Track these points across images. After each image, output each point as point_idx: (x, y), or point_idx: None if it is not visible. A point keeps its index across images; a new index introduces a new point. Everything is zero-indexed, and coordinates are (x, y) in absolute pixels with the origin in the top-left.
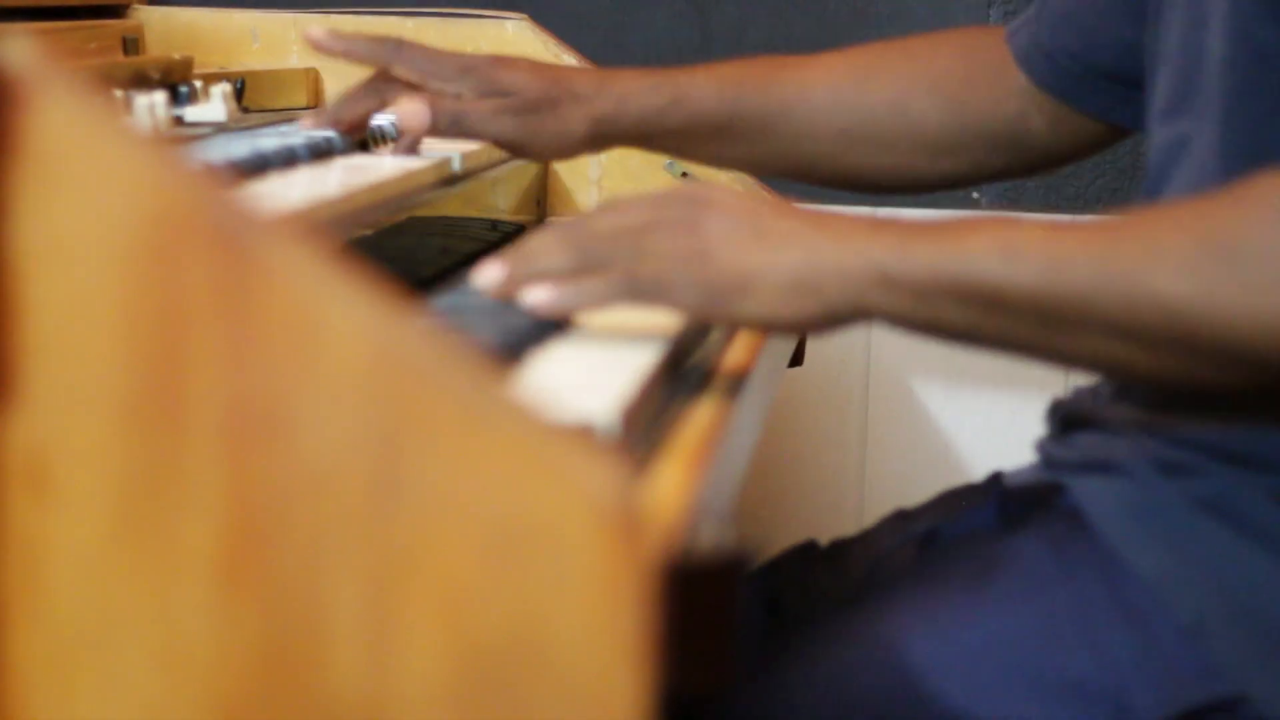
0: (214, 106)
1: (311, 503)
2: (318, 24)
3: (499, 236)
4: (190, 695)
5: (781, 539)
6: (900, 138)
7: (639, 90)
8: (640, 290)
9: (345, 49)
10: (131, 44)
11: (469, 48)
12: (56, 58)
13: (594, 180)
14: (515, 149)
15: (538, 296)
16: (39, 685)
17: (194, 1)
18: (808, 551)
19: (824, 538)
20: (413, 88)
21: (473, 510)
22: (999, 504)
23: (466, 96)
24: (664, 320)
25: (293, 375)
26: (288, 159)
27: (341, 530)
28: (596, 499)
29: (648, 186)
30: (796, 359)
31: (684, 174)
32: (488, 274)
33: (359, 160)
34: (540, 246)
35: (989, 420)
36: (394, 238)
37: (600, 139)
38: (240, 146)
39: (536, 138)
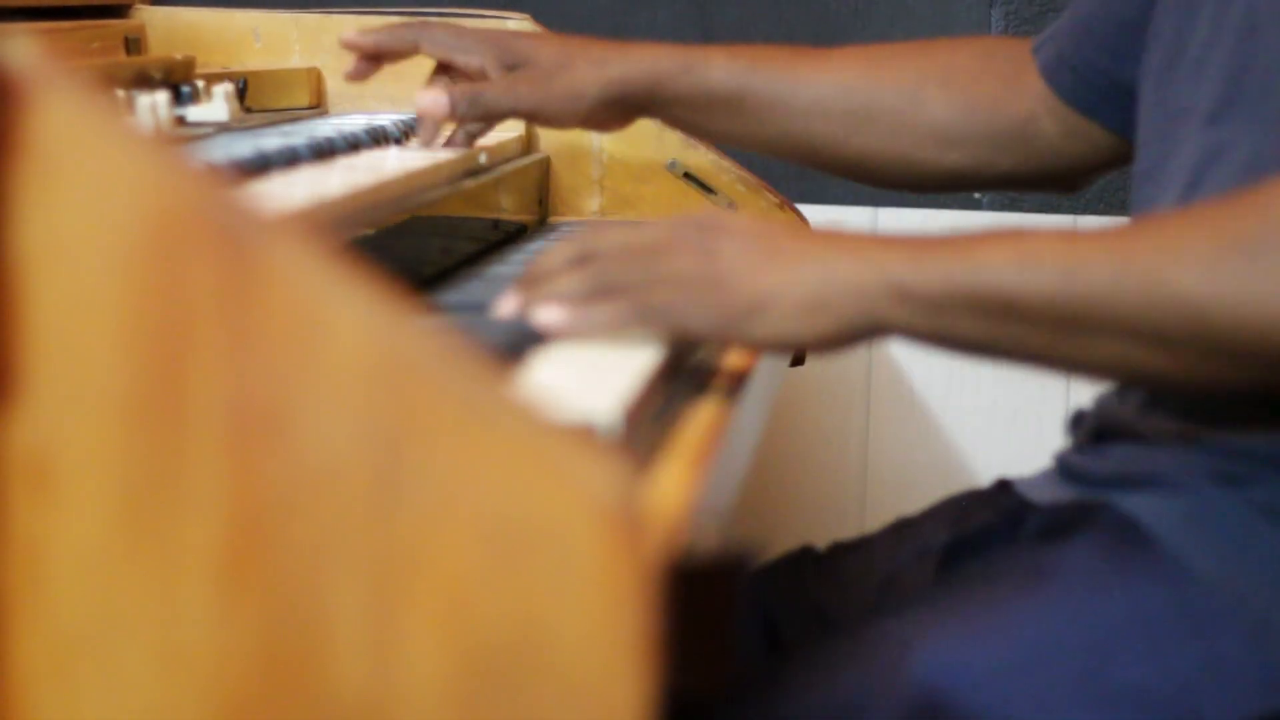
0: (216, 106)
1: (313, 503)
2: (320, 24)
3: (501, 236)
4: (192, 695)
5: (782, 539)
6: (907, 124)
7: (651, 55)
8: (652, 316)
9: (375, 42)
10: (134, 44)
11: None
12: (59, 57)
13: (596, 180)
14: (531, 116)
15: (549, 317)
16: (40, 685)
17: (196, 1)
18: (803, 559)
19: (824, 538)
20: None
21: (474, 510)
22: (1023, 516)
23: (489, 66)
24: None
25: (294, 375)
26: (290, 159)
27: (343, 530)
28: (598, 499)
29: (649, 186)
30: (798, 359)
31: (686, 174)
32: (506, 305)
33: (369, 157)
34: (553, 268)
35: (990, 420)
36: (396, 237)
37: (611, 102)
38: (242, 146)
39: (550, 102)
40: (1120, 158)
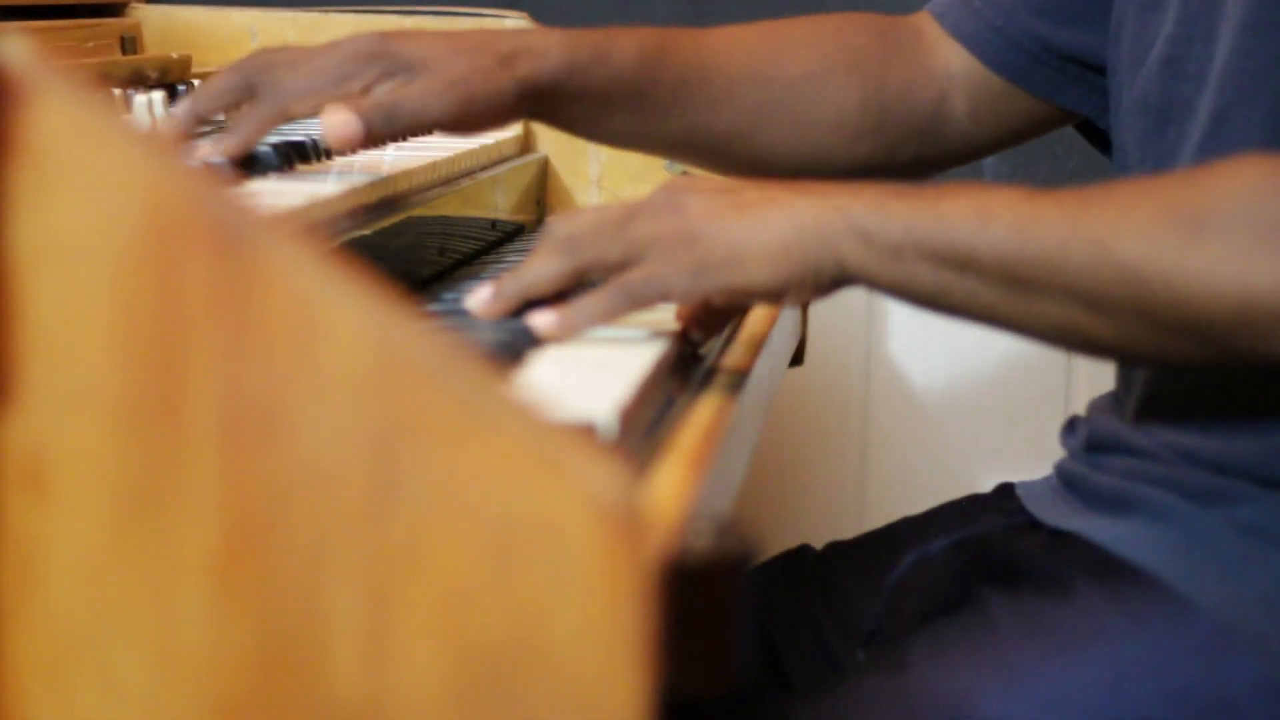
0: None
1: (310, 503)
2: (317, 23)
3: (498, 236)
4: (188, 696)
5: (781, 539)
6: (817, 117)
7: (559, 45)
8: (636, 293)
9: (240, 144)
10: (129, 43)
11: None
12: (54, 56)
13: (594, 180)
14: (454, 128)
15: (541, 322)
16: (36, 687)
17: (192, 0)
18: (799, 560)
19: (823, 538)
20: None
21: (472, 511)
22: (1026, 552)
23: (379, 87)
24: (664, 319)
25: (291, 375)
26: (286, 158)
27: (340, 531)
28: (596, 500)
29: (648, 186)
30: (797, 359)
31: (684, 174)
32: (479, 295)
33: (365, 156)
34: (536, 265)
35: (990, 420)
36: (392, 237)
37: (528, 100)
38: None
39: (472, 107)
40: (1031, 131)
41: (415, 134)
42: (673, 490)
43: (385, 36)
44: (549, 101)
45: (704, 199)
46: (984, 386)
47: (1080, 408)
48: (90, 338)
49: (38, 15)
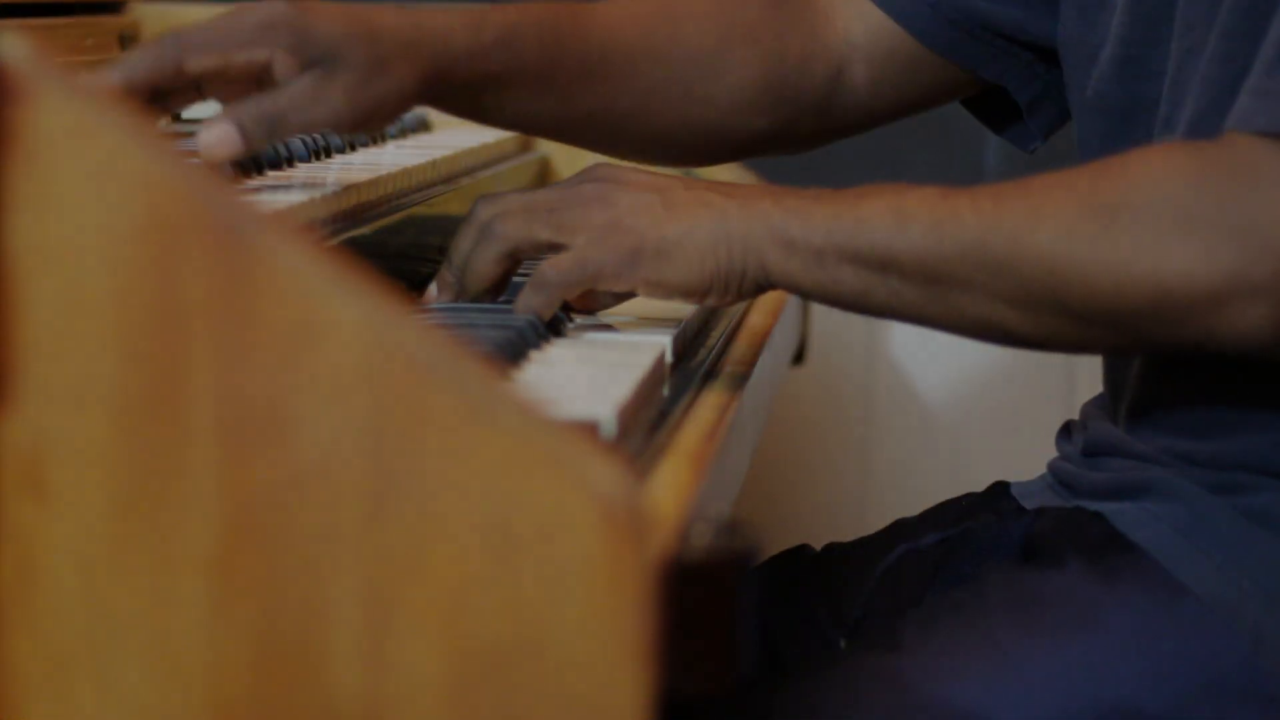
0: (210, 104)
1: (309, 503)
2: None
3: None
4: (187, 697)
5: (781, 539)
6: (714, 94)
7: (463, 28)
8: (571, 278)
9: (124, 82)
10: (128, 40)
11: None
12: (53, 54)
13: None
14: (349, 129)
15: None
16: (35, 686)
17: None
18: (797, 559)
19: (823, 538)
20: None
21: (471, 510)
22: (1024, 532)
23: (281, 62)
24: (665, 318)
25: (290, 375)
26: (285, 156)
27: (339, 531)
28: (597, 499)
29: None
30: (797, 358)
31: (684, 173)
32: (430, 296)
33: (365, 155)
34: (464, 248)
35: (989, 419)
36: (392, 236)
37: (429, 90)
38: None
39: (369, 112)
40: (934, 98)
41: (305, 133)
42: (673, 490)
43: (299, 8)
44: (448, 88)
45: (634, 195)
46: (985, 387)
47: (1069, 419)
48: (89, 336)
49: (36, 13)
